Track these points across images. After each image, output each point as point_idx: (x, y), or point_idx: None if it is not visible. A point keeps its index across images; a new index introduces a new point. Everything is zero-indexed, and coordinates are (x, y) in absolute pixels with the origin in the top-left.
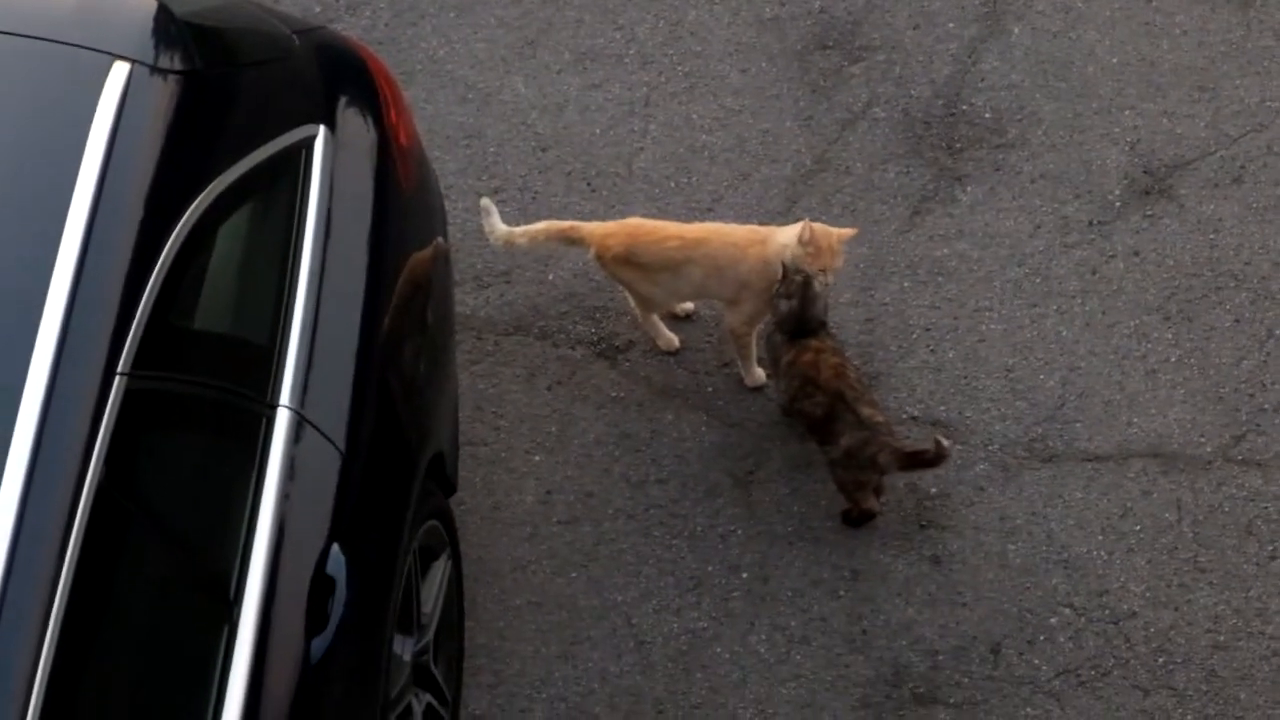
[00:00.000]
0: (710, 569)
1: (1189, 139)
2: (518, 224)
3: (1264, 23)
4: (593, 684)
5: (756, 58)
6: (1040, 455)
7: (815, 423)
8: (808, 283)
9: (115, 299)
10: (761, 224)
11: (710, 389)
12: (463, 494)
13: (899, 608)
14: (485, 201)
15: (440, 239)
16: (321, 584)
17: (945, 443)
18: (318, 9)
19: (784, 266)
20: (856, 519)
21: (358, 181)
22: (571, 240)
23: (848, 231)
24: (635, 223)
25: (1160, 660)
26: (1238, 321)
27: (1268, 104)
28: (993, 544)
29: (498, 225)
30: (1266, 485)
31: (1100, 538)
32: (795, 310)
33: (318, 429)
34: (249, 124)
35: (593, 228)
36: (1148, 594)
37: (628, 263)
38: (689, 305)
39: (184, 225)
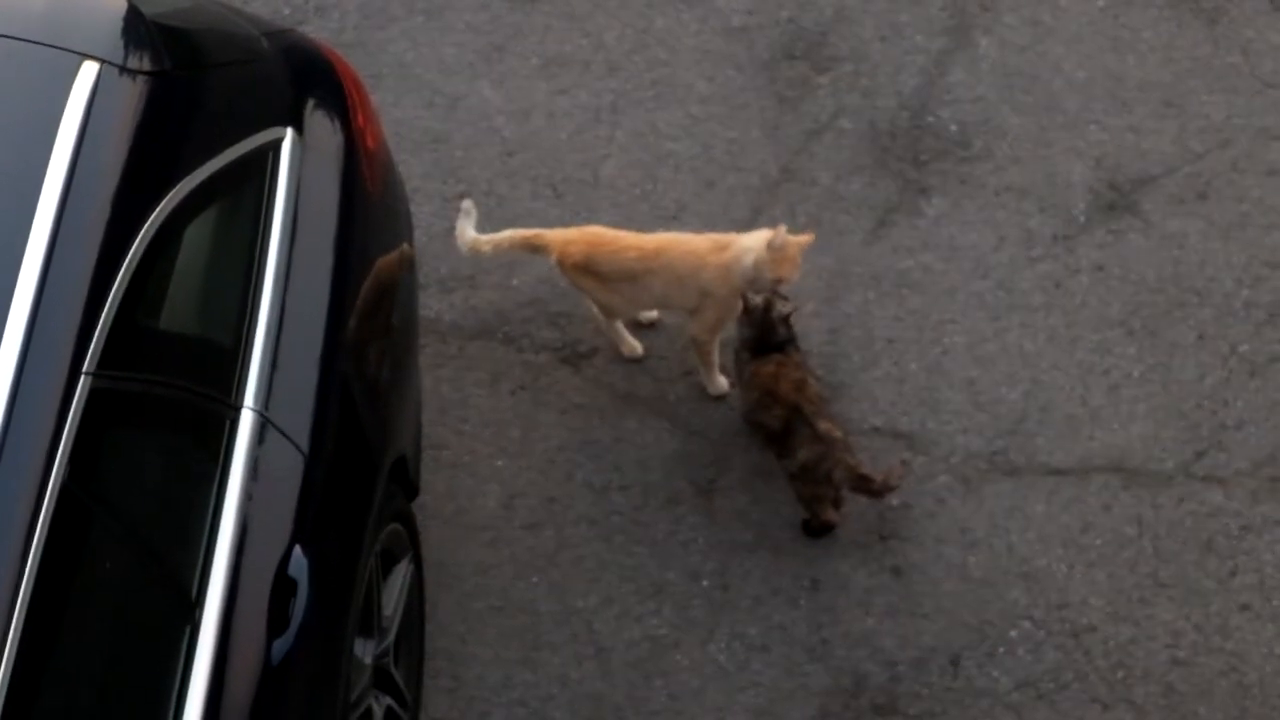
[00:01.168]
0: (671, 576)
1: (1155, 154)
2: (483, 228)
3: (1231, 39)
4: (553, 689)
5: (724, 66)
6: (1002, 468)
7: (773, 435)
8: (767, 307)
9: (81, 298)
10: (725, 233)
11: (673, 397)
12: (425, 498)
13: (859, 618)
14: (468, 204)
15: (406, 243)
16: (283, 586)
17: (898, 474)
18: (286, 11)
19: (744, 299)
20: (816, 530)
21: (324, 184)
22: (535, 248)
23: (805, 238)
24: (595, 231)
25: (1119, 675)
26: (1201, 338)
27: (1234, 120)
28: (953, 556)
29: (468, 230)
30: (1227, 501)
31: (1061, 551)
32: (755, 336)
33: (281, 431)
34: (217, 125)
35: (554, 235)
36: (1108, 608)
37: (587, 271)
38: (653, 313)
39: (151, 225)
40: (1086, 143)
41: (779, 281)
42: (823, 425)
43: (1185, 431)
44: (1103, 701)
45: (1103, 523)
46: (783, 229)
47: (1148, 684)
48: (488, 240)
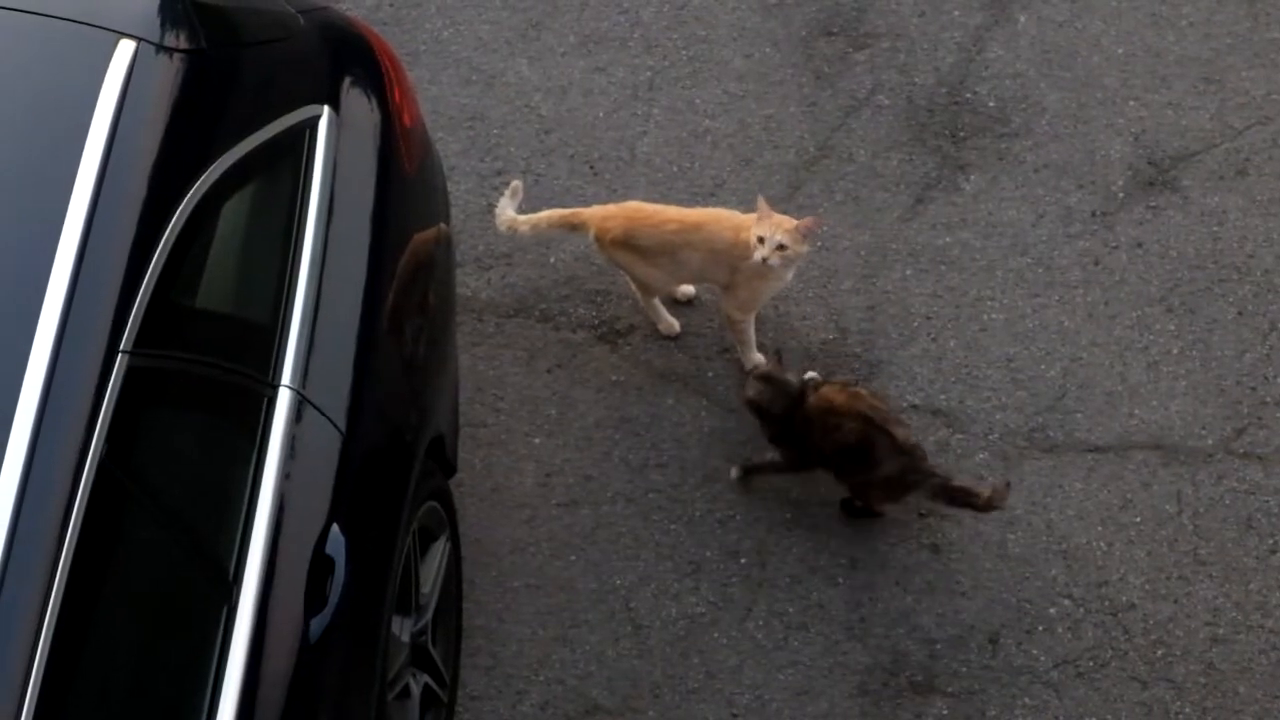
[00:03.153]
0: (709, 554)
1: (1194, 131)
2: (520, 206)
3: (1271, 15)
4: (590, 667)
5: (761, 43)
6: (1040, 445)
7: (849, 451)
8: (767, 378)
9: (118, 277)
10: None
11: (710, 374)
12: (462, 475)
13: (897, 596)
14: (516, 184)
15: (443, 221)
16: (321, 564)
17: (1002, 495)
18: None
19: (751, 400)
20: (856, 511)
21: (361, 162)
22: (573, 226)
23: (792, 221)
24: (634, 206)
25: (1159, 652)
26: (1240, 314)
27: (1273, 97)
28: (992, 533)
29: (508, 209)
30: (1267, 479)
31: (1100, 529)
32: (782, 408)
33: (319, 409)
34: (253, 103)
35: (592, 211)
36: (1147, 586)
37: (625, 246)
38: (690, 289)
39: (187, 204)
40: (1125, 119)
41: (760, 242)
42: (900, 432)
43: (1225, 408)
44: (1142, 680)
45: (1142, 500)
46: (761, 198)
47: (1187, 662)
48: (525, 220)
